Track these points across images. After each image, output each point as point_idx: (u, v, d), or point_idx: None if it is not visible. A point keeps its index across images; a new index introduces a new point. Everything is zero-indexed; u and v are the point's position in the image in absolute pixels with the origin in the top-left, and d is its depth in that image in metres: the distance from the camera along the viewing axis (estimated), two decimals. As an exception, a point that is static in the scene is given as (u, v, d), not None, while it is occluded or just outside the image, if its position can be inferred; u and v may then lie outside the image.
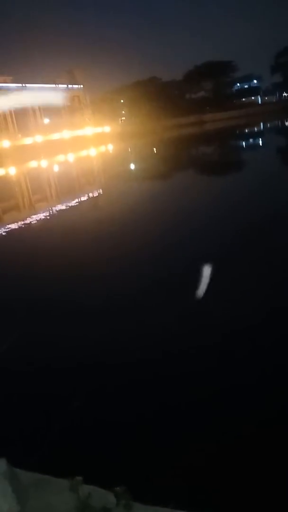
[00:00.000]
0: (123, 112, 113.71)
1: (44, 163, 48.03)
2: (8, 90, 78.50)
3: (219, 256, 8.37)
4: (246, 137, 48.95)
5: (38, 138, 69.61)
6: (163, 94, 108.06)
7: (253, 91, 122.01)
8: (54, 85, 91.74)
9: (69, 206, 18.08)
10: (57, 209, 17.73)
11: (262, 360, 4.73)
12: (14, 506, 2.35)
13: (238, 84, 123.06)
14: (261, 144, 38.33)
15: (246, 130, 58.37)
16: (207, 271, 7.63)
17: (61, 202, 19.43)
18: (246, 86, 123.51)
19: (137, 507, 2.39)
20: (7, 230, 14.89)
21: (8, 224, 15.77)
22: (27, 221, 16.06)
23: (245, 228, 9.95)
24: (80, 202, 18.88)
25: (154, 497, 2.59)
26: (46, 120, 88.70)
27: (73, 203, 18.70)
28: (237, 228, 10.17)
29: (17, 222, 16.03)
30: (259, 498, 3.02)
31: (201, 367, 4.76)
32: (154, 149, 50.11)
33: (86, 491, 2.41)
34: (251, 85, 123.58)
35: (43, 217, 16.57)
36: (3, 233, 14.41)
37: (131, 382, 4.69)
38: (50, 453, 3.64)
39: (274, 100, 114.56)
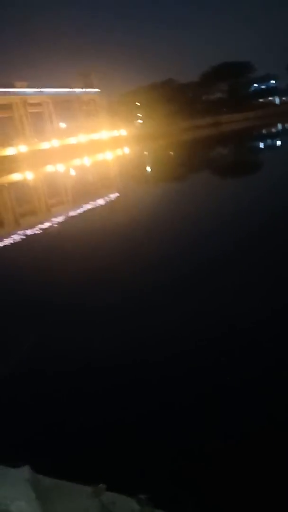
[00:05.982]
0: (139, 114, 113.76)
1: (62, 168, 48.41)
2: (24, 95, 79.34)
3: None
4: (264, 139, 48.45)
5: (55, 143, 70.15)
6: (180, 96, 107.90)
7: (271, 91, 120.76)
8: (70, 89, 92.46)
9: (91, 210, 18.23)
10: (81, 212, 17.92)
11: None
12: (38, 512, 2.36)
13: (255, 85, 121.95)
14: (280, 146, 37.88)
15: (264, 131, 57.79)
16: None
17: (83, 206, 19.51)
18: (263, 87, 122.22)
19: (160, 515, 2.39)
20: (31, 232, 15.16)
21: (32, 227, 16.03)
22: (53, 223, 16.34)
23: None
24: (102, 206, 18.96)
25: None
26: (63, 124, 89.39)
27: (95, 207, 18.82)
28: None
29: (44, 224, 16.32)
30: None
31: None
32: (171, 152, 50.02)
33: (109, 498, 2.42)
34: (269, 85, 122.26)
35: (71, 221, 16.72)
36: (27, 236, 14.66)
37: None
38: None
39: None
